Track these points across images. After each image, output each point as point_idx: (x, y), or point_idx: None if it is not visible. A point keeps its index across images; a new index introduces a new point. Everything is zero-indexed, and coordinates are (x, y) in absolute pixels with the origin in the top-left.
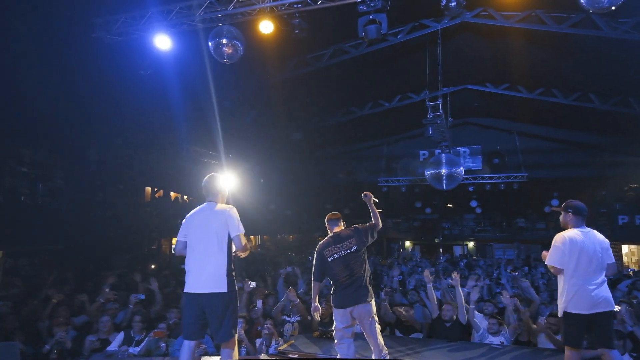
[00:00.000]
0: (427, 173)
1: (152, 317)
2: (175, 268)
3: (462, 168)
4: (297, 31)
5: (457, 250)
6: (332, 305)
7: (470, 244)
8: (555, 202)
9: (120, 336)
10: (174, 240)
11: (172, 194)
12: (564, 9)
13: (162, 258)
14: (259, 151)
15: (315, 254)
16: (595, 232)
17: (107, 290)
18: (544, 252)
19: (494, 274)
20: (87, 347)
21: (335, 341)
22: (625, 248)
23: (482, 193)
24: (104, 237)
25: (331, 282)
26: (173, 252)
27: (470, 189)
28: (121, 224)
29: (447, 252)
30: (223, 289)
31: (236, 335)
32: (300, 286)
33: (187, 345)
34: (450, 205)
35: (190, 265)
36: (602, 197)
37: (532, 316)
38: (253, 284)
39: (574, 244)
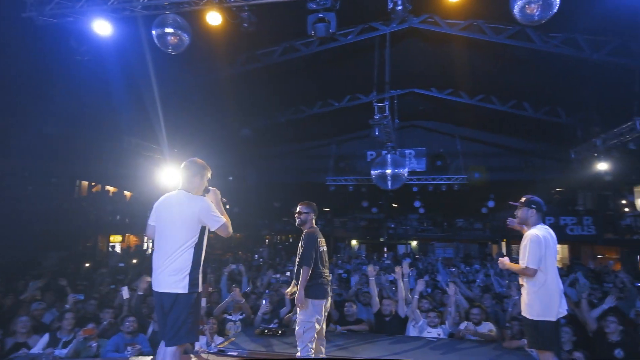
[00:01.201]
0: (373, 173)
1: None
2: (112, 266)
3: (406, 169)
4: (245, 25)
5: (401, 249)
6: (311, 297)
7: (414, 243)
8: (491, 203)
9: (45, 338)
10: (111, 237)
11: (110, 188)
12: (503, 20)
13: (98, 256)
14: (206, 146)
15: (311, 240)
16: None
17: (33, 288)
18: (501, 259)
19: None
20: None
21: (313, 337)
22: None
23: (425, 194)
24: (33, 233)
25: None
26: (111, 249)
27: (415, 189)
28: (53, 219)
29: (391, 251)
30: (183, 289)
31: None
32: (245, 284)
33: (161, 345)
34: (396, 205)
35: (154, 261)
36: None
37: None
38: None
39: (547, 241)
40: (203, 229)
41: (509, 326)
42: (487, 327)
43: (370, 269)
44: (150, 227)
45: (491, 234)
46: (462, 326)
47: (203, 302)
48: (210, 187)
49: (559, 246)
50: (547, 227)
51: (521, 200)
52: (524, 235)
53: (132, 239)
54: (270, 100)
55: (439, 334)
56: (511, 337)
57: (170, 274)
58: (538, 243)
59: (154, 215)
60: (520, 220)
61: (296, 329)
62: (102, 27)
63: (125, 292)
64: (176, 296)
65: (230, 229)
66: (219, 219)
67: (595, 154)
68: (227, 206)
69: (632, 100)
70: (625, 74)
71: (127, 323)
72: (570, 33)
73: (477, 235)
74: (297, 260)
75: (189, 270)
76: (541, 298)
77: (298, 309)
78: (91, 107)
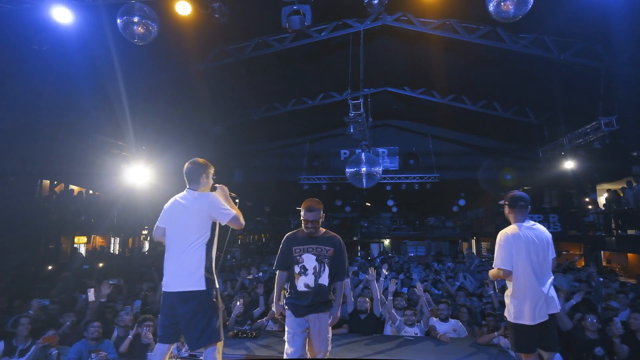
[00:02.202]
0: (348, 171)
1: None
2: (77, 269)
3: (380, 167)
4: (217, 16)
5: (374, 248)
6: None
7: (387, 242)
8: (462, 201)
9: (0, 346)
10: (76, 239)
11: (75, 187)
12: (475, 20)
13: (62, 258)
14: (177, 144)
15: (344, 245)
16: (540, 225)
17: None
18: (491, 271)
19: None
20: None
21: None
22: None
23: (398, 193)
24: None
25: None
26: (74, 251)
27: (388, 188)
28: (12, 220)
29: (363, 250)
30: (201, 287)
31: (221, 342)
32: (220, 286)
33: (160, 349)
34: (369, 204)
35: (166, 261)
36: (501, 197)
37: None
38: None
39: (518, 241)
40: (214, 225)
41: (485, 323)
42: (452, 326)
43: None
44: (158, 229)
45: (462, 232)
46: (431, 322)
47: None
48: (217, 185)
49: None
50: (534, 223)
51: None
52: None
53: (99, 240)
54: (243, 97)
55: (416, 333)
56: (480, 332)
57: (186, 273)
58: (504, 243)
59: (164, 217)
60: (506, 216)
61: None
62: (62, 15)
63: (91, 295)
64: (195, 294)
65: (242, 220)
66: (229, 212)
67: (562, 153)
68: (237, 200)
69: (597, 100)
70: (590, 75)
71: (91, 329)
72: (538, 34)
73: (448, 233)
74: (311, 267)
75: (204, 268)
76: (514, 302)
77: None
78: (51, 101)
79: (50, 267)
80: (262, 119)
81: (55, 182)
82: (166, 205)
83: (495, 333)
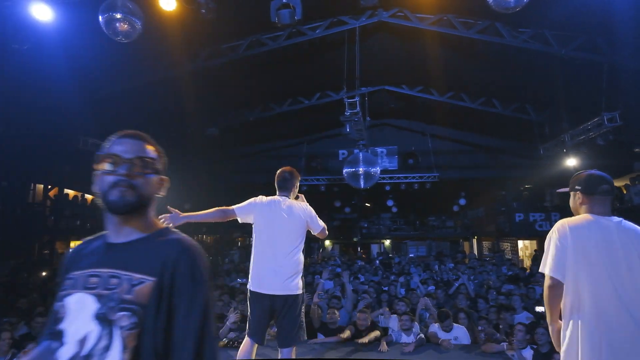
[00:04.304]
0: (345, 171)
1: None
2: None
3: (378, 167)
4: (203, 11)
5: (374, 249)
6: None
7: (387, 242)
8: (462, 201)
9: None
10: (72, 243)
11: (70, 192)
12: (473, 15)
13: (56, 264)
14: (171, 146)
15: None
16: (627, 222)
17: None
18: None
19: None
20: None
21: None
22: (520, 243)
23: (397, 192)
24: None
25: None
26: None
27: (387, 188)
28: (5, 226)
29: (362, 252)
30: (298, 291)
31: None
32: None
33: (250, 346)
34: (368, 205)
35: (262, 263)
36: (502, 196)
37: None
38: None
39: (583, 239)
40: (305, 233)
41: (481, 329)
42: (454, 334)
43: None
44: (249, 214)
45: (462, 232)
46: (432, 328)
47: None
48: (299, 194)
49: (528, 242)
50: (619, 221)
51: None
52: None
53: None
54: (237, 97)
55: (413, 340)
56: (485, 339)
57: (287, 278)
58: (559, 238)
59: (263, 211)
60: (572, 210)
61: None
62: (42, 12)
63: None
64: (294, 298)
65: (327, 232)
66: (321, 223)
67: (564, 150)
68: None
69: (599, 96)
70: (592, 69)
71: None
72: (538, 28)
73: (448, 233)
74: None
75: (301, 273)
76: (571, 335)
77: None
78: (40, 103)
79: (44, 273)
80: (258, 119)
81: (49, 186)
82: (263, 200)
83: (504, 345)
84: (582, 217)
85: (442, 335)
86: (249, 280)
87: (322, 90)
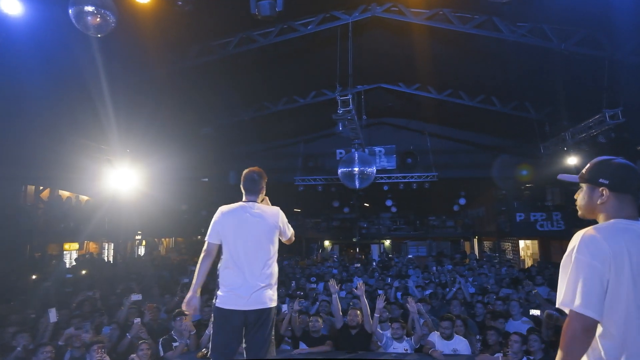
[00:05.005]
0: (340, 171)
1: None
2: (57, 280)
3: (374, 167)
4: (180, 3)
5: (374, 249)
6: None
7: (387, 242)
8: (462, 200)
9: None
10: (65, 245)
11: (65, 193)
12: (469, 9)
13: (48, 266)
14: (163, 147)
15: None
16: None
17: None
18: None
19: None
20: None
21: None
22: (521, 243)
23: (396, 192)
24: None
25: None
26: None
27: (385, 188)
28: None
29: (361, 253)
30: (274, 303)
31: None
32: None
33: None
34: (367, 205)
35: (234, 277)
36: (503, 196)
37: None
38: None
39: (623, 257)
40: (278, 240)
41: (479, 338)
42: (454, 345)
43: (332, 284)
44: (211, 245)
45: (463, 231)
46: (431, 337)
47: (137, 320)
48: (264, 196)
49: (529, 242)
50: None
51: (582, 172)
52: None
53: (92, 246)
54: (230, 96)
55: (406, 349)
56: (482, 349)
57: (265, 290)
58: (591, 260)
59: (220, 231)
60: (582, 210)
61: None
62: (10, 6)
63: (52, 315)
64: (268, 312)
65: (294, 238)
66: (290, 228)
67: (565, 149)
68: None
69: (600, 92)
70: (593, 65)
71: (41, 355)
72: (537, 22)
73: (449, 232)
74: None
75: (276, 284)
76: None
77: None
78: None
79: (34, 276)
80: (253, 118)
81: (41, 188)
82: (224, 211)
83: (499, 356)
84: (613, 225)
85: (440, 345)
86: (215, 297)
87: (318, 88)
